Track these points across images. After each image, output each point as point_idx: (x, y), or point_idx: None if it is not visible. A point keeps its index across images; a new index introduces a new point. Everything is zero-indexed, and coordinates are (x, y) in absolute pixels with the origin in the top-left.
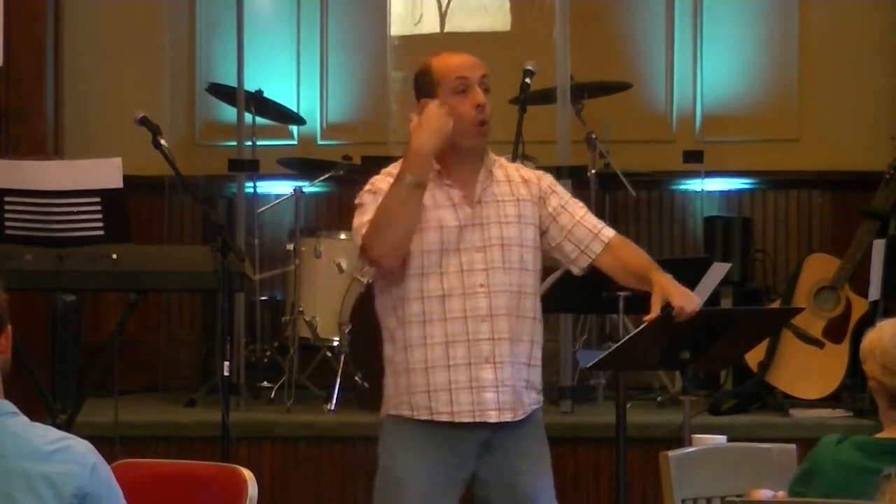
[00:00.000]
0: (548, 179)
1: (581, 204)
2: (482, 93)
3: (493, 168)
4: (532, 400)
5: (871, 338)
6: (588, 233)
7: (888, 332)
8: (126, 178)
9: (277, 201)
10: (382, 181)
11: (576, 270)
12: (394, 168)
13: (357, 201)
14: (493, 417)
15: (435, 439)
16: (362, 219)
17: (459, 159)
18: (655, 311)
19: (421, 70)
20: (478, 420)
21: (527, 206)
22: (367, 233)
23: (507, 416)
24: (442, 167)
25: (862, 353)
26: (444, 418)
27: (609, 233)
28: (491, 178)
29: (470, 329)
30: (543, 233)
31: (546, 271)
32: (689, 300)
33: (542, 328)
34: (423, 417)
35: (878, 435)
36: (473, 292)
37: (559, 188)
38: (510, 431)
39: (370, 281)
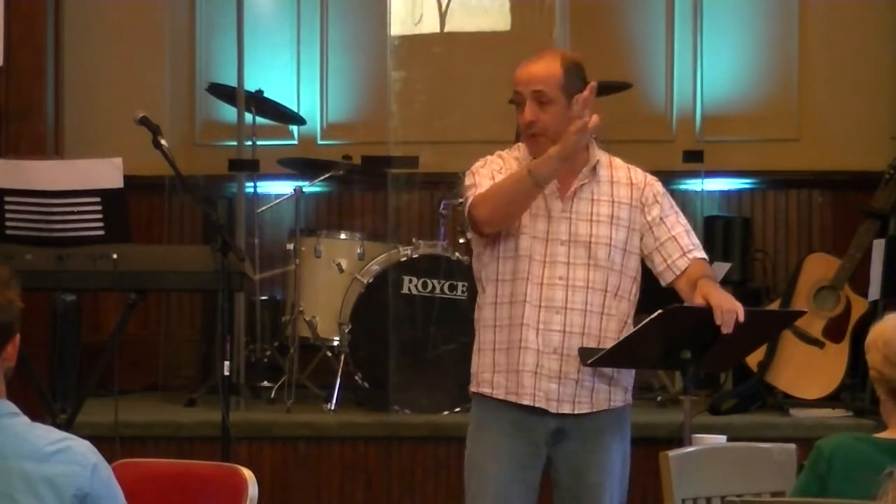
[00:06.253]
0: (655, 188)
1: (684, 221)
2: (529, 110)
3: (598, 168)
4: (612, 397)
5: (876, 329)
6: (678, 249)
7: (891, 323)
8: (126, 178)
9: (277, 201)
10: (494, 162)
11: (662, 283)
12: (507, 153)
13: (469, 175)
14: (553, 408)
15: (511, 420)
16: (476, 189)
17: None
18: (700, 304)
19: None
20: (538, 405)
21: (623, 209)
22: (477, 200)
23: (566, 409)
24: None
25: (867, 343)
26: (512, 398)
27: (698, 254)
28: (593, 177)
29: (542, 318)
30: (640, 239)
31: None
32: (729, 316)
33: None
34: (500, 396)
35: (878, 435)
36: (552, 283)
37: (665, 199)
38: (584, 422)
39: (371, 279)
